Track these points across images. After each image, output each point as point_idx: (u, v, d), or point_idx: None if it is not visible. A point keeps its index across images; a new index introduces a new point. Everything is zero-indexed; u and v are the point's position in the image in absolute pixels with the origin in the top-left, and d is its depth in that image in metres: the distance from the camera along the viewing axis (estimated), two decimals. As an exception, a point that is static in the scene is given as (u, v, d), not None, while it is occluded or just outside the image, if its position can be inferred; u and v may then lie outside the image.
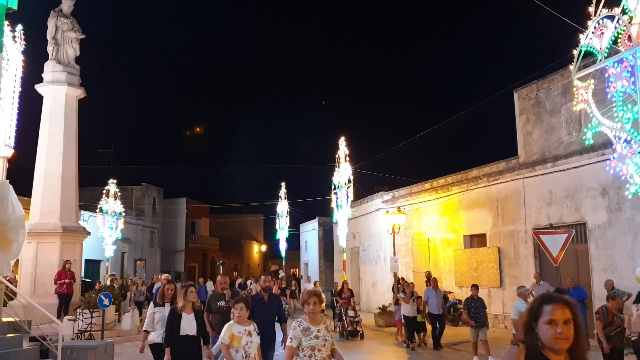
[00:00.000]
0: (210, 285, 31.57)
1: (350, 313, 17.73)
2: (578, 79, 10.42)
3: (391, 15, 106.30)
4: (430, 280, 16.45)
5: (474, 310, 12.68)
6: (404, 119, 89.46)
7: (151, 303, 8.35)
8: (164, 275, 15.38)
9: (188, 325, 7.14)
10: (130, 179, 40.96)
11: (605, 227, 14.98)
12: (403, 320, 16.01)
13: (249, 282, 32.45)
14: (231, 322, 6.46)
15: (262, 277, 8.99)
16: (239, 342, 6.22)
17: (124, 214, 29.44)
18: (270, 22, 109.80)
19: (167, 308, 7.84)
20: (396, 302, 17.50)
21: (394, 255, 21.88)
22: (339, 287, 19.97)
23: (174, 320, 7.15)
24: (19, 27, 13.82)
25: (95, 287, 19.90)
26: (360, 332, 17.60)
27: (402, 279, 23.52)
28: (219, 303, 8.76)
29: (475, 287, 13.38)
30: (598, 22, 9.84)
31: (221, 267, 35.95)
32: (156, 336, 7.92)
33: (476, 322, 12.58)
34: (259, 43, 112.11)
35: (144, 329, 8.33)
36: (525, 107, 18.18)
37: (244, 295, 8.55)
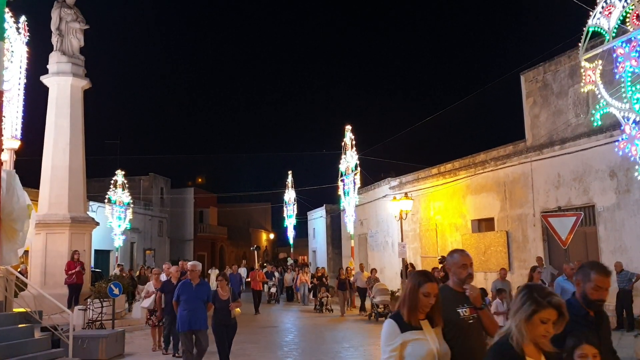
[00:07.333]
0: (243, 272, 29.56)
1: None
2: (586, 60, 10.29)
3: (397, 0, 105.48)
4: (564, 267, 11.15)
5: None
6: (410, 105, 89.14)
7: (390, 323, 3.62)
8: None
9: None
10: (137, 169, 41.21)
11: (614, 209, 14.89)
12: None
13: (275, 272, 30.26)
14: None
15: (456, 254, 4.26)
16: None
17: (132, 204, 29.60)
18: (279, 7, 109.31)
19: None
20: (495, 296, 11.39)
21: (402, 240, 21.87)
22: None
23: None
24: (23, 19, 13.81)
25: (108, 276, 20.06)
26: None
27: (411, 264, 23.57)
28: (459, 312, 3.91)
29: None
30: (606, 1, 9.70)
31: (256, 252, 35.29)
32: None
33: None
34: (266, 24, 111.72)
35: None
36: (532, 89, 18.03)
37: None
